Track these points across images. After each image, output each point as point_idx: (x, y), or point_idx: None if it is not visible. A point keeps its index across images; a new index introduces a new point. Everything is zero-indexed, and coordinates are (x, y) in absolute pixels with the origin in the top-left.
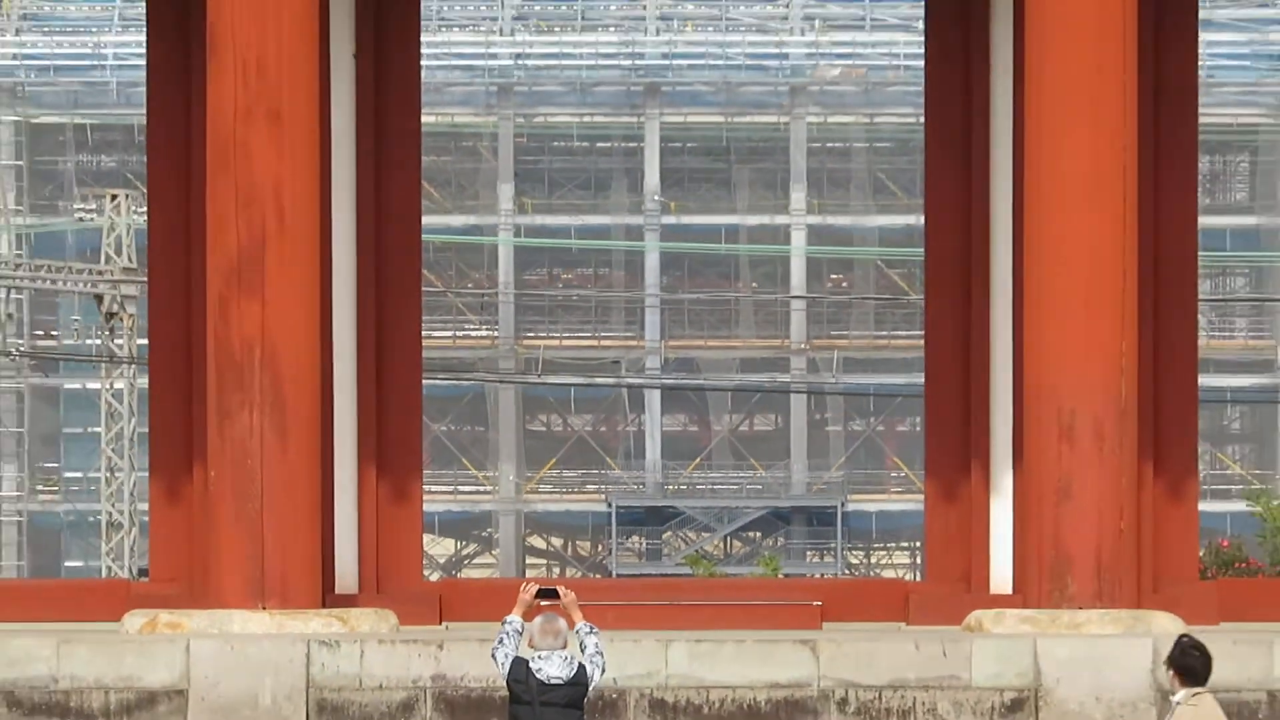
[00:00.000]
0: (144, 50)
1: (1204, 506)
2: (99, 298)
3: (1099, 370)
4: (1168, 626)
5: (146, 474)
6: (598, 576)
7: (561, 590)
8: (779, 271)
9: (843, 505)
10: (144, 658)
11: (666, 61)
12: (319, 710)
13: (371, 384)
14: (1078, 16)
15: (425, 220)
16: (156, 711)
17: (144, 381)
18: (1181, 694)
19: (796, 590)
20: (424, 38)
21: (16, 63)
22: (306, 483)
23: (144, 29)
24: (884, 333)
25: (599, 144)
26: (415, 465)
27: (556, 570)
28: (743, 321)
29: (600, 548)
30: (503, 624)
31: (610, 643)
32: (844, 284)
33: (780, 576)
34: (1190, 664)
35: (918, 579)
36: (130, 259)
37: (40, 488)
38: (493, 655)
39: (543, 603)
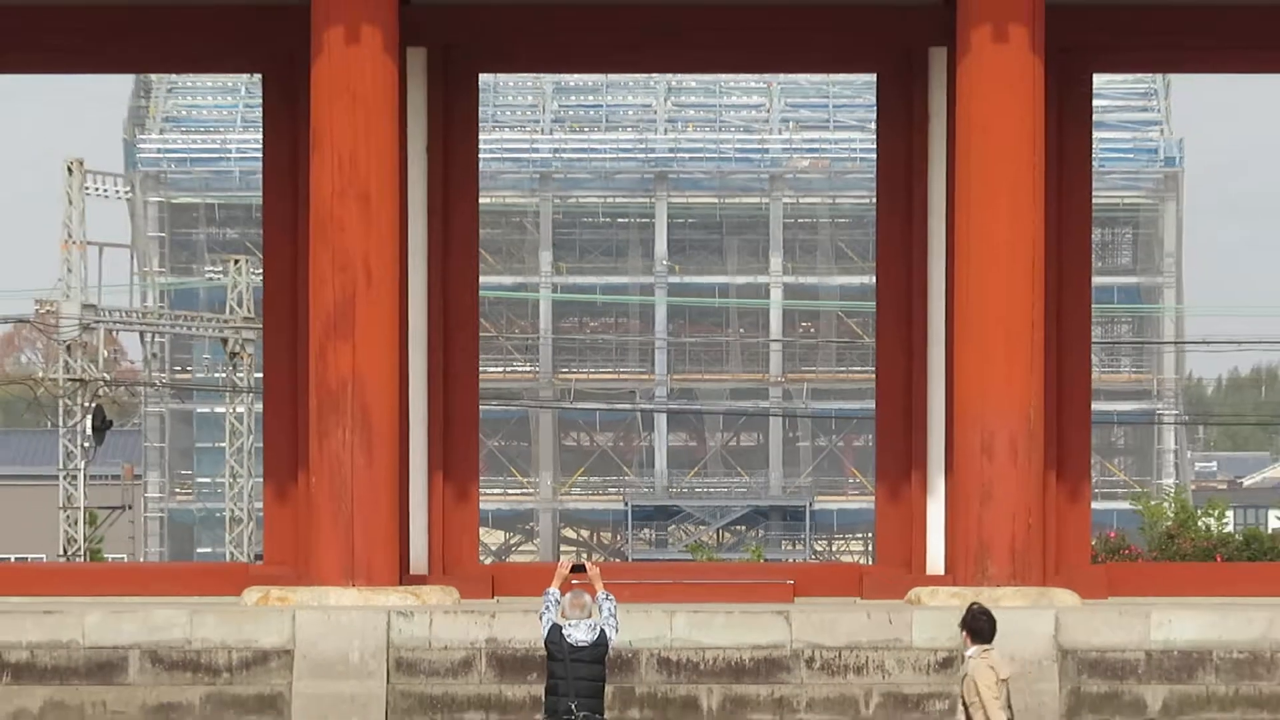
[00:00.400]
0: (260, 144)
1: (1095, 506)
2: (224, 340)
3: (1013, 399)
4: (1066, 601)
5: (262, 479)
6: (617, 561)
7: (589, 564)
8: (760, 320)
9: (810, 505)
10: (259, 624)
11: (672, 154)
12: (396, 667)
13: (439, 408)
14: (997, 120)
15: (481, 279)
16: (269, 667)
17: (260, 406)
18: (973, 649)
19: (774, 572)
20: (481, 135)
21: (161, 155)
22: (387, 487)
23: (260, 128)
24: (843, 368)
25: (619, 219)
26: (473, 472)
27: (585, 555)
28: (731, 359)
29: (618, 538)
30: (545, 595)
31: (626, 613)
32: (812, 329)
33: (761, 561)
34: (979, 626)
35: (870, 563)
36: (249, 310)
37: (177, 490)
38: (540, 617)
39: (574, 578)
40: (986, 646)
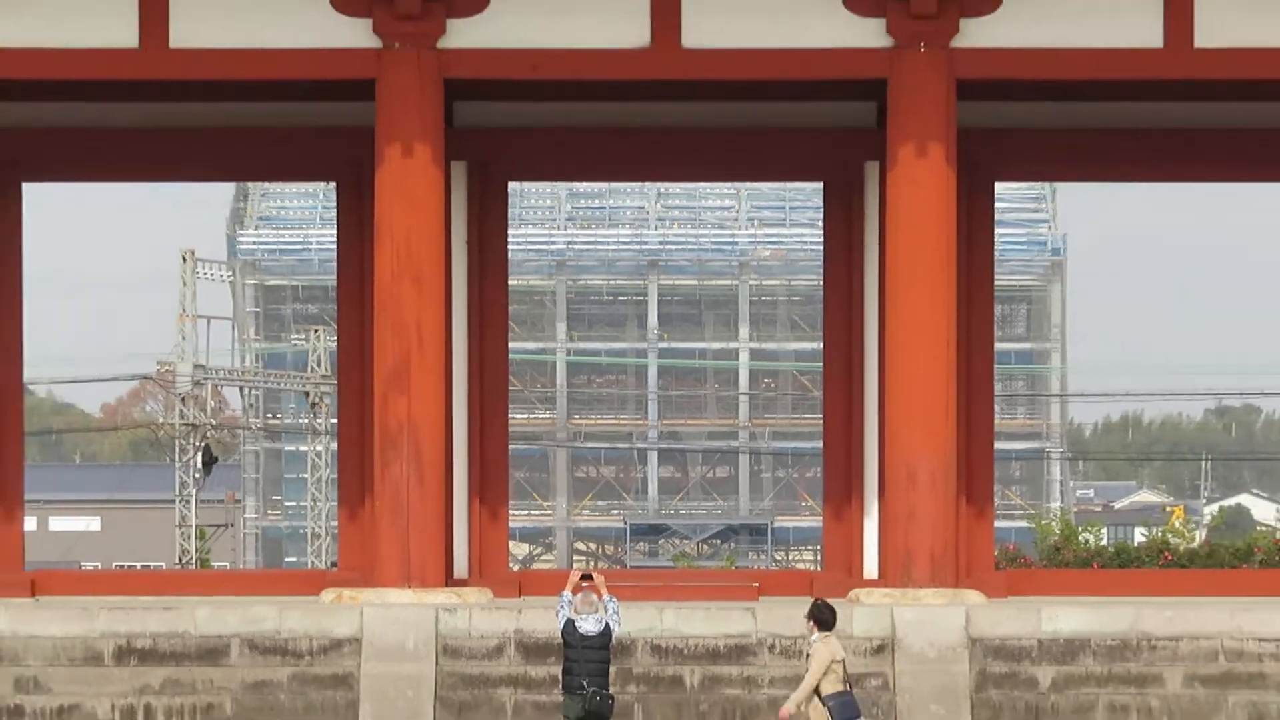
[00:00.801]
0: (335, 237)
1: (997, 524)
2: (306, 394)
3: (932, 440)
4: (975, 600)
5: (336, 503)
6: (617, 568)
7: (595, 575)
8: (731, 377)
9: (771, 523)
10: (334, 618)
11: (661, 247)
12: (443, 652)
13: (476, 446)
14: (919, 220)
15: (510, 344)
16: (342, 652)
17: (335, 445)
18: (816, 636)
19: (742, 577)
20: (509, 230)
21: (256, 246)
22: (435, 508)
23: (335, 224)
24: (798, 415)
25: (619, 298)
26: (503, 497)
27: (592, 563)
28: (708, 408)
29: (619, 549)
30: (560, 596)
31: (625, 610)
32: (772, 385)
33: (733, 568)
34: (823, 617)
35: (819, 569)
36: (326, 369)
37: (269, 512)
38: (556, 614)
39: (583, 583)
40: (827, 634)
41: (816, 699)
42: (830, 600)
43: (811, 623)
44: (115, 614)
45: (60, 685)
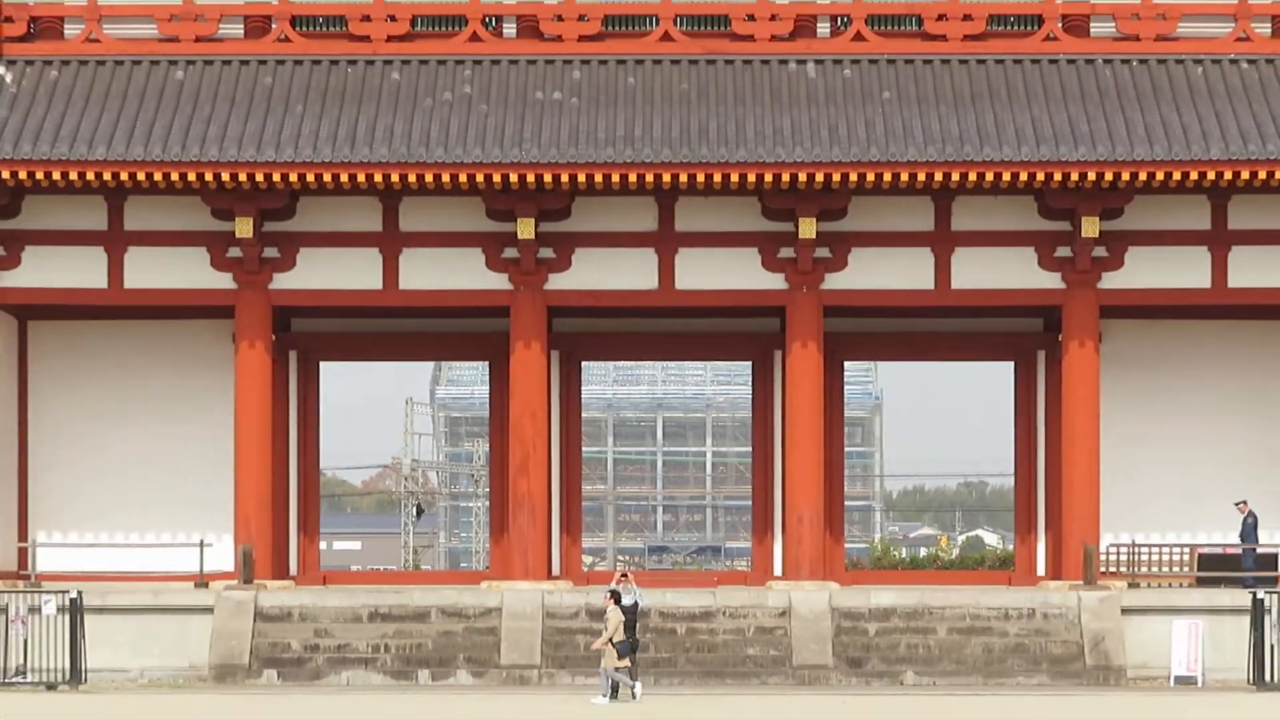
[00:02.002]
0: (489, 390)
1: (847, 545)
2: (473, 475)
3: (810, 500)
4: (834, 587)
5: (489, 533)
6: (641, 570)
7: (629, 573)
8: (702, 466)
9: (724, 546)
10: (487, 597)
11: (664, 395)
12: (546, 614)
13: (564, 505)
14: (803, 383)
15: (583, 449)
16: (491, 615)
17: (488, 503)
18: (611, 608)
19: (707, 575)
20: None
21: (447, 395)
22: (541, 538)
23: (489, 384)
24: (739, 486)
25: (641, 423)
26: (578, 532)
27: (628, 567)
28: (690, 482)
29: (642, 560)
30: (610, 585)
31: (645, 592)
32: (724, 468)
33: (702, 570)
34: (617, 598)
35: (750, 571)
36: (483, 462)
37: (452, 538)
38: (607, 594)
39: (622, 578)
40: (617, 606)
41: (610, 644)
42: (751, 588)
43: (610, 599)
44: (369, 594)
45: (338, 633)
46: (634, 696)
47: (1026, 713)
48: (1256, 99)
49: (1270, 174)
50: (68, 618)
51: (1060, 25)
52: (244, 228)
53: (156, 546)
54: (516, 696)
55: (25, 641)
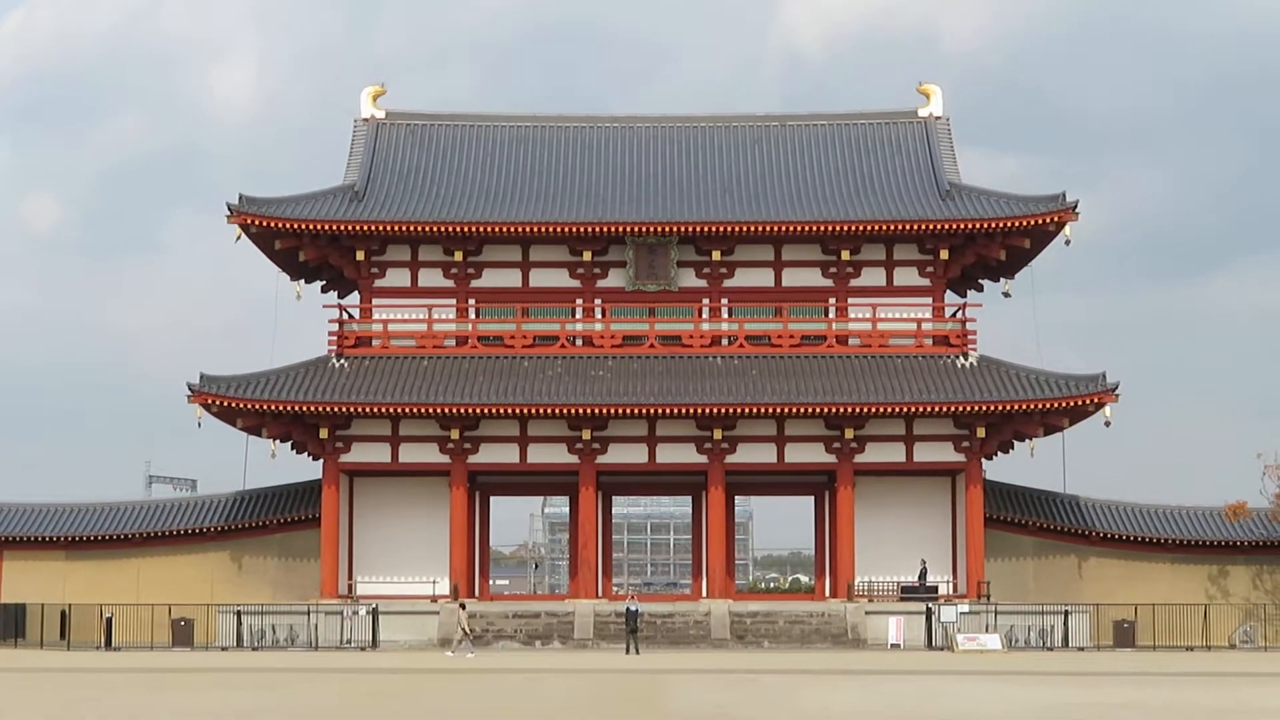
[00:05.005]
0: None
1: (737, 581)
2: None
3: (719, 558)
4: (730, 602)
5: (568, 574)
6: (640, 592)
7: (634, 595)
8: (669, 546)
9: (678, 581)
10: (567, 605)
11: (651, 514)
12: (595, 615)
13: (601, 563)
14: (717, 500)
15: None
16: (569, 616)
17: (568, 563)
18: (462, 614)
19: (670, 596)
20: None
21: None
22: (592, 579)
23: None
24: (686, 553)
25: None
26: (609, 574)
27: (634, 591)
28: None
29: (641, 589)
30: (625, 602)
31: (643, 604)
32: (667, 541)
33: (668, 593)
34: (464, 606)
35: (690, 593)
36: (567, 542)
37: (551, 578)
38: (625, 607)
39: (631, 596)
40: (464, 611)
41: (463, 631)
42: (692, 602)
43: (459, 605)
44: (512, 605)
45: (497, 622)
46: (636, 653)
47: (820, 658)
48: (905, 374)
49: (893, 409)
50: (372, 616)
51: (834, 338)
52: (455, 435)
53: (411, 582)
54: (581, 653)
55: (351, 627)
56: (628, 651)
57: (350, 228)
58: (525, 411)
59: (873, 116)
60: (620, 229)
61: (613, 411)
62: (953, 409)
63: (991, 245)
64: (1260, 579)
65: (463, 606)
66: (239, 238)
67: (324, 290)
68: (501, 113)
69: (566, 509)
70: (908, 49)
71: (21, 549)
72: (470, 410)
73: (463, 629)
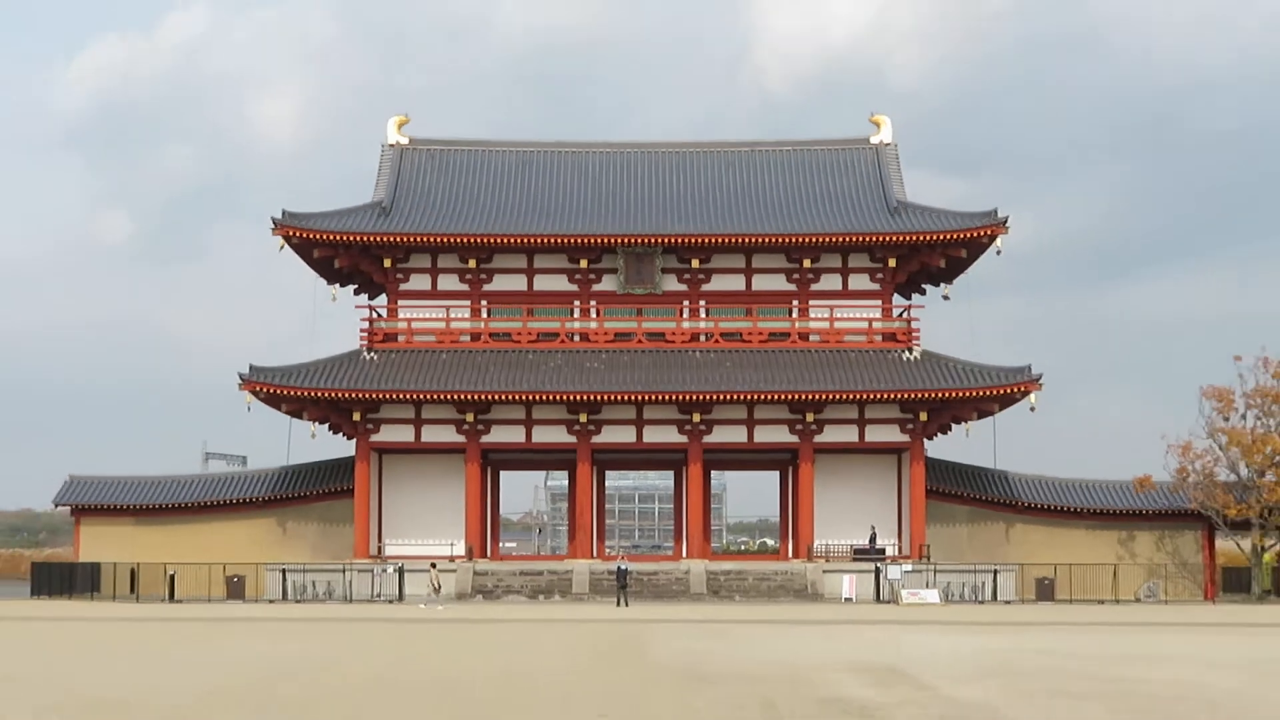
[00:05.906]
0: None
1: (712, 544)
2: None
3: (697, 524)
4: (707, 562)
5: (567, 538)
6: (631, 553)
7: (624, 555)
8: (655, 511)
9: (662, 544)
10: (566, 564)
11: (639, 485)
12: (590, 572)
13: (595, 528)
14: (696, 475)
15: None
16: (569, 573)
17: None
18: (433, 571)
19: (660, 556)
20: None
21: (554, 485)
22: (588, 542)
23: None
24: (666, 520)
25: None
26: (603, 537)
27: (625, 552)
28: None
29: (631, 549)
30: (616, 562)
31: (632, 564)
32: (662, 515)
33: (654, 554)
34: (436, 566)
35: (673, 555)
36: (566, 509)
37: (552, 541)
38: (616, 565)
39: (622, 556)
40: (436, 570)
41: (432, 588)
42: (674, 562)
43: (431, 566)
44: (520, 564)
45: (506, 579)
46: (626, 606)
47: (784, 610)
48: (866, 366)
49: (847, 396)
50: (398, 574)
51: (797, 334)
52: (470, 419)
53: (432, 545)
54: (578, 605)
55: (380, 583)
56: (618, 604)
57: (379, 239)
58: (530, 398)
59: (831, 144)
60: (612, 240)
61: (606, 398)
62: (899, 396)
63: (933, 255)
64: (1162, 543)
65: (433, 565)
66: (282, 248)
67: (356, 293)
68: (508, 139)
69: (566, 482)
70: (862, 87)
71: (97, 516)
72: (483, 397)
73: (433, 586)
